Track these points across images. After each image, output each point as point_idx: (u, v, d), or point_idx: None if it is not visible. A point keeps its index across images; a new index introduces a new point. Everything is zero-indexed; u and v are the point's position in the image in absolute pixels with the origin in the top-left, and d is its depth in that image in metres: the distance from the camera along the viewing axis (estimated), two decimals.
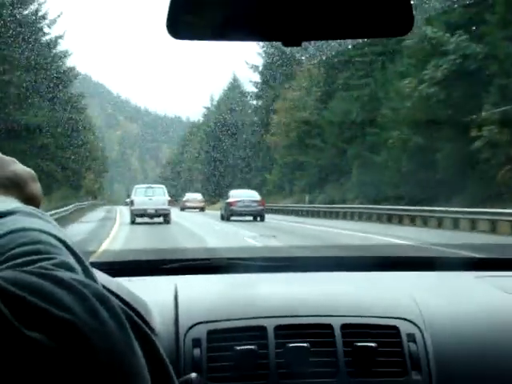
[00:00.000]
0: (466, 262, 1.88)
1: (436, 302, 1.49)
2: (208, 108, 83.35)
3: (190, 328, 1.32)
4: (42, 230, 0.67)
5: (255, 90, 61.45)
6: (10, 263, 0.60)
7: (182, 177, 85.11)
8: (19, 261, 0.60)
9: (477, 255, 2.42)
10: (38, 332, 0.48)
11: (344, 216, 30.74)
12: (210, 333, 1.30)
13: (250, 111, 66.03)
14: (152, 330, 0.99)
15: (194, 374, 1.01)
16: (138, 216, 22.45)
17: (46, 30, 37.92)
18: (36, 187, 0.85)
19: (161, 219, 22.74)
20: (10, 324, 0.48)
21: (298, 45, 1.03)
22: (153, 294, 1.33)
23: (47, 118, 34.22)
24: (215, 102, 79.65)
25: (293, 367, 1.28)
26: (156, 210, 22.46)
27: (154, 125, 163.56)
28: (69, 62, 44.34)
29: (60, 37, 39.05)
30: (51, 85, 35.37)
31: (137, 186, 27.35)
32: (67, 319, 0.50)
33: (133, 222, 22.37)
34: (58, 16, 37.77)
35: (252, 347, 1.26)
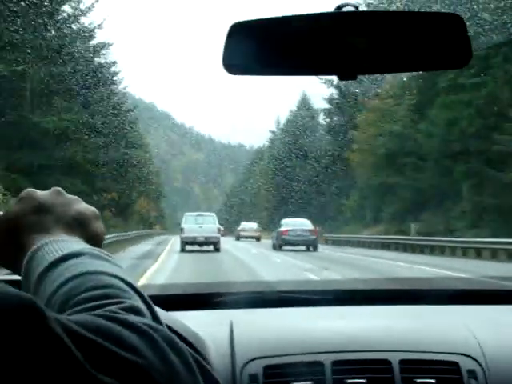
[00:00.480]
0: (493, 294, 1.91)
1: (496, 337, 1.47)
2: (274, 132, 76.50)
3: (247, 363, 1.34)
4: (111, 273, 0.70)
5: (329, 107, 53.13)
6: (80, 307, 0.62)
7: (245, 204, 78.83)
8: (89, 305, 0.62)
9: None
10: (110, 376, 0.49)
11: (454, 252, 25.10)
12: (267, 368, 1.34)
13: (321, 131, 58.01)
14: (210, 365, 0.81)
15: None
16: (188, 244, 23.18)
17: (81, 18, 30.59)
18: (99, 225, 0.88)
19: (211, 247, 23.54)
20: (82, 367, 0.49)
21: (354, 78, 1.10)
22: (207, 328, 1.32)
23: (76, 123, 26.25)
24: (282, 126, 72.25)
25: None
26: (206, 238, 23.30)
27: (217, 153, 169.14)
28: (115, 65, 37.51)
29: (98, 26, 31.74)
30: (82, 81, 27.53)
31: (187, 214, 27.56)
32: (137, 363, 0.51)
33: (182, 250, 22.97)
34: (96, 1, 30.29)
35: (309, 383, 1.31)
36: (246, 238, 37.02)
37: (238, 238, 38.15)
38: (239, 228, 40.79)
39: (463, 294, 1.97)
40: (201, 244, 23.46)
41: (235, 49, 1.07)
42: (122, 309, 0.59)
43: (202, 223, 24.18)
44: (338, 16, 1.05)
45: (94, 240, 0.85)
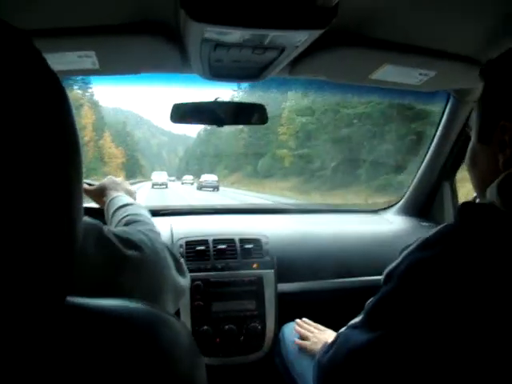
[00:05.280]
0: (285, 210, 3.11)
1: (275, 228, 2.57)
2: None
3: (178, 240, 2.31)
4: (143, 214, 1.37)
5: None
6: (129, 225, 1.27)
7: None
8: (132, 226, 1.26)
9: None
10: (131, 251, 0.99)
11: None
12: (187, 242, 2.30)
13: None
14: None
15: (182, 259, 1.46)
16: (155, 185, 35.77)
17: None
18: (135, 197, 1.73)
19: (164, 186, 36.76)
20: (118, 247, 0.96)
21: (222, 126, 2.04)
22: (160, 226, 1.80)
23: None
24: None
25: (220, 255, 2.26)
26: (162, 183, 36.64)
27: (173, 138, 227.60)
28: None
29: None
30: None
31: (154, 172, 46.33)
32: (141, 245, 1.03)
33: (152, 187, 34.54)
34: None
35: (203, 247, 2.27)
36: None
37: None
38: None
39: (264, 209, 3.17)
40: (160, 185, 36.03)
41: (174, 112, 1.97)
42: (148, 229, 1.20)
43: (159, 175, 39.33)
44: (216, 102, 2.01)
45: (133, 198, 1.67)
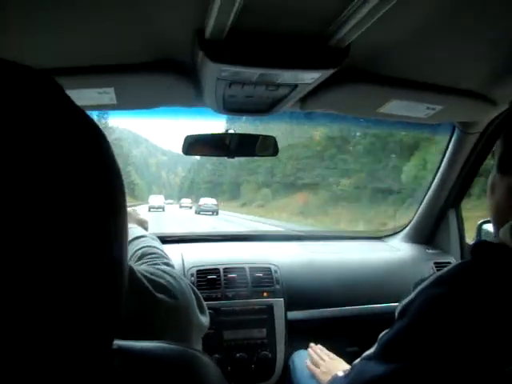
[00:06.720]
0: (293, 237, 3.17)
1: (284, 256, 2.59)
2: None
3: (189, 269, 2.34)
4: (157, 247, 1.36)
5: None
6: (146, 260, 1.25)
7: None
8: (149, 259, 1.25)
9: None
10: (160, 294, 0.99)
11: None
12: (198, 271, 2.33)
13: None
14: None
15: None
16: (152, 208, 36.50)
17: None
18: (147, 225, 1.75)
19: (161, 210, 37.83)
20: (147, 289, 0.98)
21: (233, 158, 2.04)
22: (168, 253, 1.65)
23: None
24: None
25: (231, 284, 2.29)
26: (159, 206, 37.54)
27: (174, 157, 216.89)
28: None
29: None
30: None
31: (151, 195, 48.16)
32: (171, 289, 1.03)
33: (149, 210, 34.84)
34: None
35: (214, 276, 2.30)
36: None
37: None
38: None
39: (271, 236, 3.14)
40: (156, 208, 37.22)
41: (185, 143, 1.96)
42: (164, 262, 1.22)
43: (156, 199, 41.42)
44: (226, 134, 2.02)
45: (145, 228, 1.67)
